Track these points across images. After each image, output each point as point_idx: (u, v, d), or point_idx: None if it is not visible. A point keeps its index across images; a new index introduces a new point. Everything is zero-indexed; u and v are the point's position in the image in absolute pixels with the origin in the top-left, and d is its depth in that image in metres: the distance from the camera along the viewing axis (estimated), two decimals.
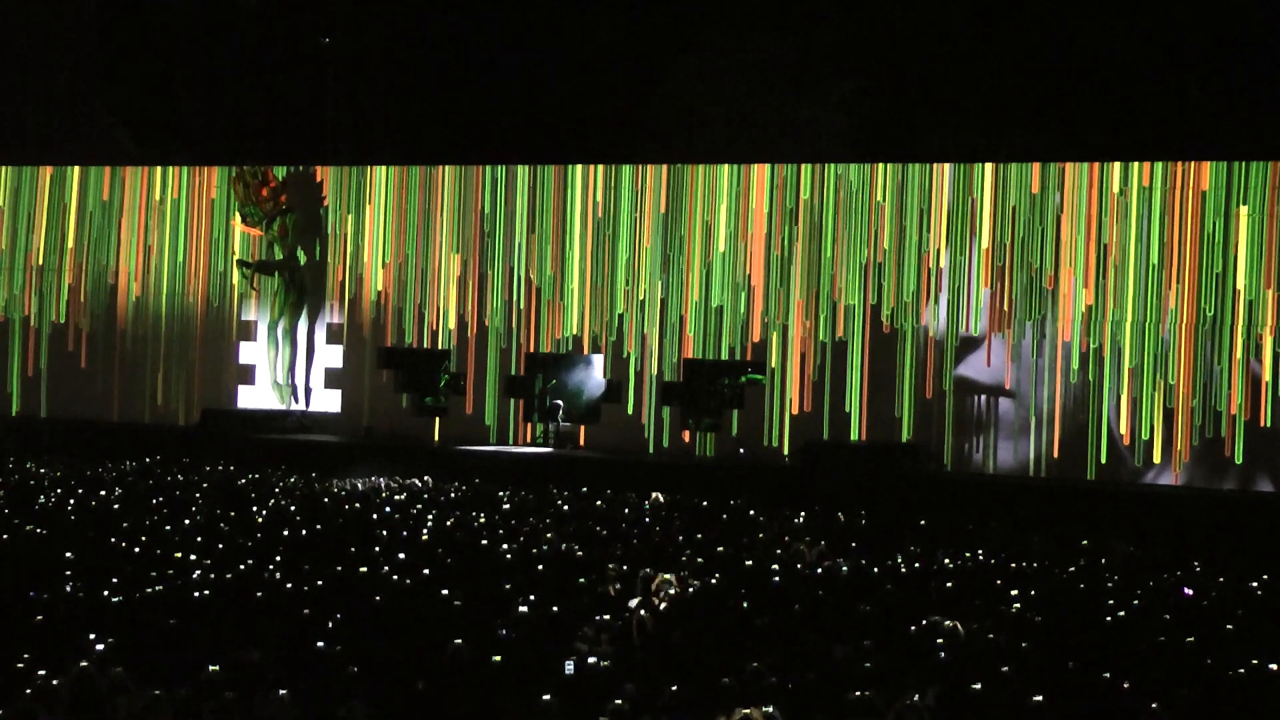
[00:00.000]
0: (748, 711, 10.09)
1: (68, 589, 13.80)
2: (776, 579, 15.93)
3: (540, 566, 16.16)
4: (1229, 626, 13.76)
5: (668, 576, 13.91)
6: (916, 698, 10.58)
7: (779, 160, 28.66)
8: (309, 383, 31.71)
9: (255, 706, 10.24)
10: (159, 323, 32.78)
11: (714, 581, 15.50)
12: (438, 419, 30.73)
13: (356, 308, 31.37)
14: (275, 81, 33.59)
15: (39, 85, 35.28)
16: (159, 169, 33.02)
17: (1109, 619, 14.19)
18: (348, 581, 14.83)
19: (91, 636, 11.63)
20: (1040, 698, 10.73)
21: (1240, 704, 11.14)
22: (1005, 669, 11.56)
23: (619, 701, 10.38)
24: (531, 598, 13.92)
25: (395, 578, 15.10)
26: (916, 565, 17.53)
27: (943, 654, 12.29)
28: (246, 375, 32.04)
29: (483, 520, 20.08)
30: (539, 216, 30.13)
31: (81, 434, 30.43)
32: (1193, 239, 26.13)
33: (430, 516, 20.28)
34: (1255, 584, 16.66)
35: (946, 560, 18.01)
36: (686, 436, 29.02)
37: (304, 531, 18.47)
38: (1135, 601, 15.13)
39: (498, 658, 11.60)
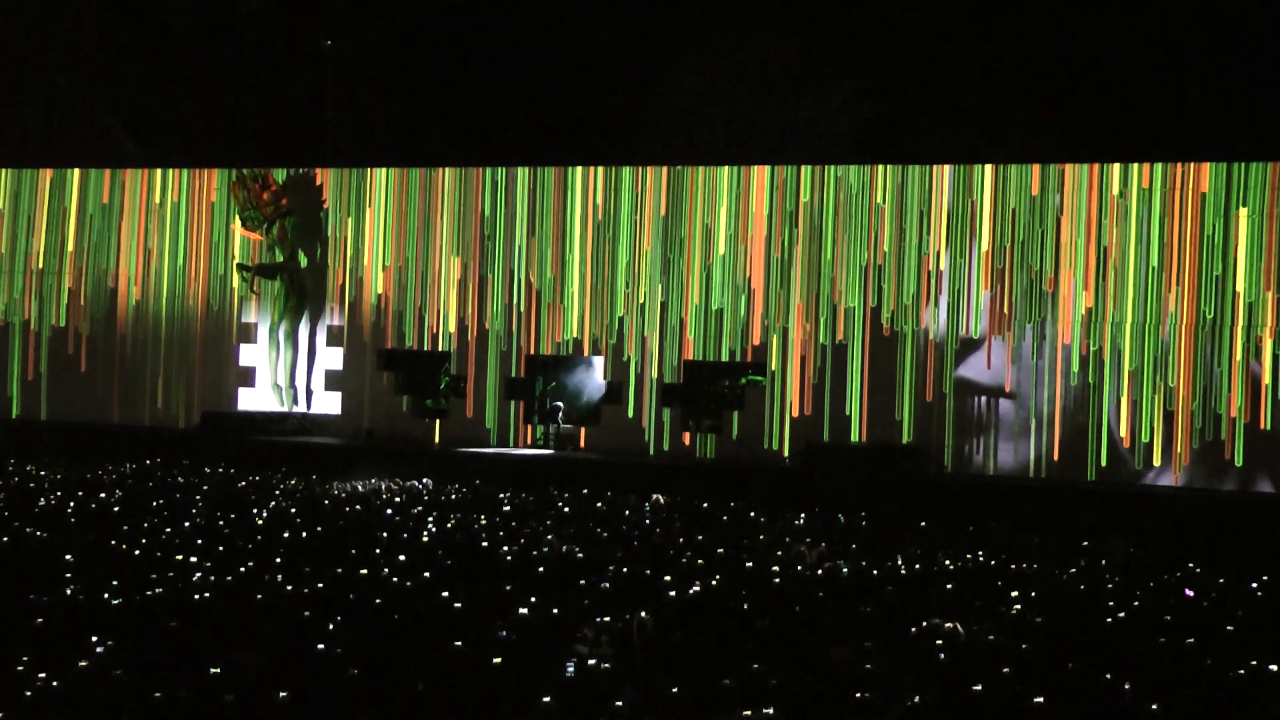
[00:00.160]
0: (748, 714, 10.08)
1: (68, 591, 13.80)
2: (777, 580, 15.93)
3: (540, 569, 16.16)
4: (1229, 627, 13.75)
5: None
6: (916, 700, 10.57)
7: (779, 162, 28.68)
8: (310, 385, 31.73)
9: (255, 708, 10.23)
10: (159, 326, 32.79)
11: (714, 584, 15.50)
12: (438, 421, 30.75)
13: (356, 311, 31.38)
14: (275, 83, 33.61)
15: (39, 87, 35.30)
16: (159, 171, 33.03)
17: (1109, 620, 14.19)
18: (348, 583, 14.82)
19: (93, 639, 11.62)
20: (1041, 699, 10.72)
21: (1241, 705, 11.13)
22: (1006, 670, 11.55)
23: (619, 704, 10.37)
24: (532, 600, 13.91)
25: (395, 580, 15.10)
26: (917, 567, 17.52)
27: (943, 655, 12.28)
28: (247, 378, 32.06)
29: (483, 522, 20.09)
30: (539, 219, 30.14)
31: (81, 436, 30.45)
32: (1192, 241, 26.14)
33: (430, 519, 20.29)
34: (1255, 585, 16.65)
35: (947, 562, 18.01)
36: (686, 439, 29.03)
37: (304, 534, 18.47)
38: (1135, 603, 15.12)
39: (498, 660, 11.59)
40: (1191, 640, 13.06)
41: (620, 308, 29.49)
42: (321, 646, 11.85)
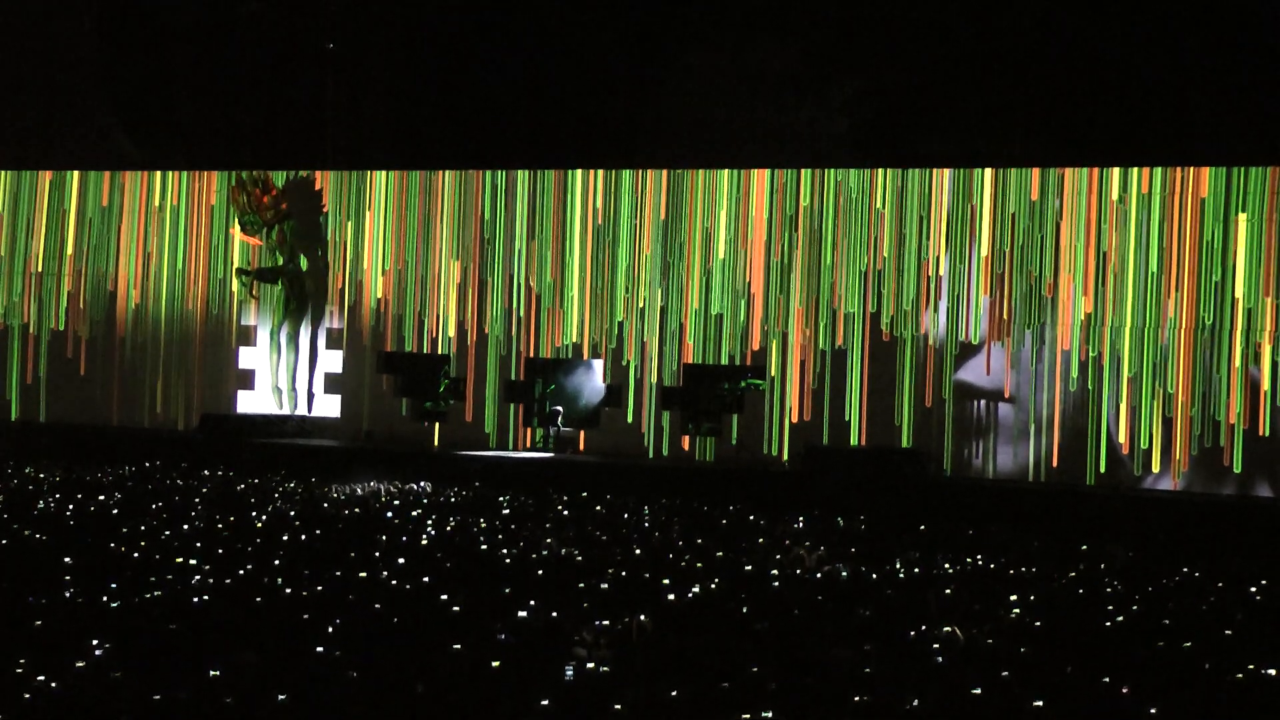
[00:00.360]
0: (746, 717, 10.07)
1: (67, 593, 13.79)
2: (776, 583, 15.93)
3: (539, 571, 16.16)
4: (1228, 631, 13.75)
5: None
6: (915, 703, 10.58)
7: (779, 165, 28.70)
8: (311, 388, 31.74)
9: (254, 710, 10.23)
10: (158, 329, 32.79)
11: (713, 586, 15.50)
12: (437, 424, 30.76)
13: (356, 314, 31.39)
14: (275, 85, 33.61)
15: (38, 88, 35.29)
16: (158, 174, 33.04)
17: (1108, 624, 14.19)
18: (347, 586, 14.82)
19: (92, 641, 11.61)
20: (1040, 702, 10.72)
21: (1240, 709, 11.13)
22: (1005, 674, 11.55)
23: (618, 706, 10.37)
24: (531, 602, 13.91)
25: (394, 582, 15.09)
26: (916, 570, 17.52)
27: (941, 659, 12.28)
28: (246, 380, 32.06)
29: (482, 525, 20.09)
30: (539, 222, 30.15)
31: (80, 438, 30.45)
32: (1191, 246, 26.15)
33: (430, 521, 20.29)
34: (1254, 589, 16.66)
35: (946, 565, 18.01)
36: (686, 443, 29.03)
37: (303, 536, 18.47)
38: (1134, 606, 15.12)
39: (496, 663, 11.59)
40: (1190, 644, 13.06)
41: (620, 312, 29.49)
42: (320, 649, 11.85)
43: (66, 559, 15.65)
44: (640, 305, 29.40)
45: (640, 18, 31.10)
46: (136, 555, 16.37)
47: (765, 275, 28.55)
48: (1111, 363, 26.40)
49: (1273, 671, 11.93)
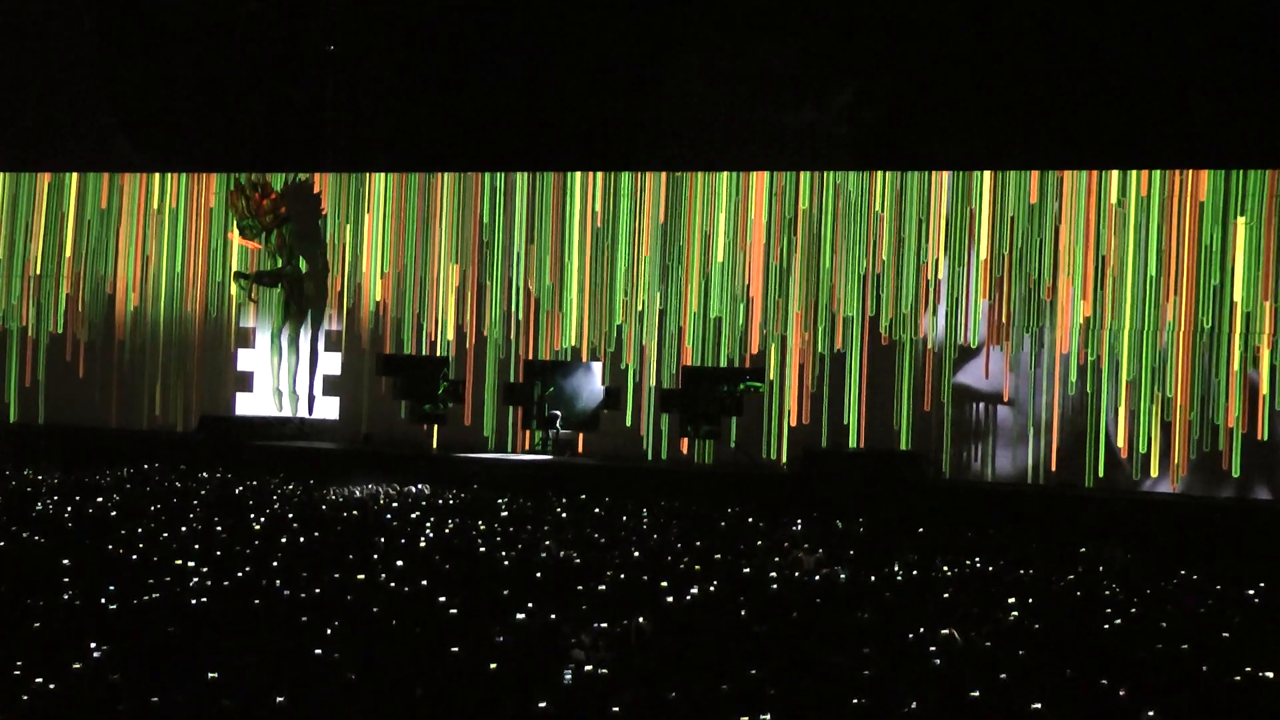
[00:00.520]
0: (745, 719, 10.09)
1: (65, 595, 13.80)
2: (775, 586, 15.94)
3: (538, 574, 16.17)
4: (1225, 634, 13.76)
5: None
6: (914, 705, 10.59)
7: (778, 168, 28.68)
8: (312, 390, 31.72)
9: (253, 712, 10.24)
10: (157, 332, 32.77)
11: (712, 589, 15.51)
12: (436, 426, 30.76)
13: (355, 317, 31.37)
14: (274, 88, 33.61)
15: (37, 89, 35.29)
16: (157, 176, 33.02)
17: (1106, 626, 14.20)
18: (346, 588, 14.83)
19: (91, 643, 11.62)
20: (1038, 704, 10.74)
21: (1237, 711, 11.14)
22: (1003, 676, 11.56)
23: (616, 708, 10.38)
24: (529, 605, 13.92)
25: (393, 584, 15.10)
26: (914, 573, 17.53)
27: (939, 661, 12.29)
28: (245, 383, 32.06)
29: (481, 527, 20.09)
30: (538, 225, 30.14)
31: (79, 441, 30.43)
32: (1190, 249, 26.15)
33: (429, 524, 20.29)
34: (1252, 591, 16.67)
35: (945, 568, 18.02)
36: (685, 445, 29.03)
37: (302, 539, 18.47)
38: (1133, 609, 15.13)
39: (494, 665, 11.60)
40: (1187, 646, 13.08)
41: (619, 315, 29.48)
42: (319, 651, 11.86)
43: (65, 561, 15.65)
44: (639, 308, 29.40)
45: (639, 20, 31.11)
46: (135, 557, 16.38)
47: (764, 278, 28.54)
48: (1110, 366, 26.40)
49: (1270, 674, 11.94)
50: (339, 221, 31.62)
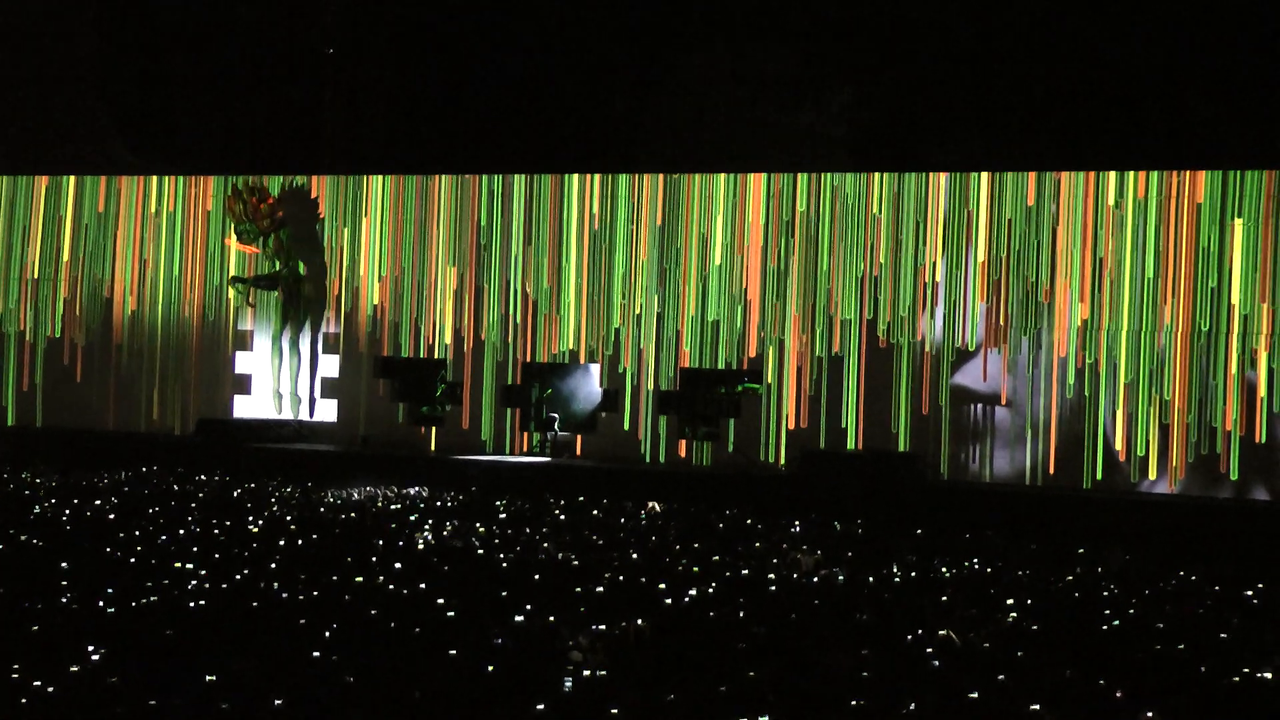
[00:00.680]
0: None
1: (63, 598, 13.79)
2: (773, 588, 15.93)
3: (536, 576, 16.16)
4: (1223, 635, 13.76)
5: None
6: (912, 707, 10.58)
7: (776, 170, 28.70)
8: (314, 393, 31.73)
9: (251, 716, 10.23)
10: (155, 335, 32.77)
11: (710, 591, 15.50)
12: (434, 428, 30.77)
13: (352, 320, 31.38)
14: (272, 90, 33.64)
15: (34, 92, 35.31)
16: (154, 179, 33.02)
17: (1105, 627, 14.20)
18: (344, 591, 14.82)
19: (88, 647, 11.61)
20: (1037, 706, 10.73)
21: (1236, 713, 11.14)
22: (1001, 678, 11.56)
23: (614, 711, 10.37)
24: (528, 607, 13.92)
25: (391, 587, 15.09)
26: (913, 574, 17.53)
27: (938, 663, 12.29)
28: (243, 385, 32.06)
29: (480, 529, 20.09)
30: (535, 228, 30.15)
31: (77, 443, 30.43)
32: (1188, 251, 26.16)
33: (427, 526, 20.28)
34: (1251, 592, 16.67)
35: (943, 569, 18.02)
36: (683, 449, 29.04)
37: (300, 541, 18.46)
38: (1131, 610, 15.13)
39: (492, 668, 11.59)
40: (1183, 647, 13.08)
41: (616, 319, 29.49)
42: (317, 654, 11.85)
43: (63, 563, 15.65)
44: (637, 312, 29.40)
45: (637, 22, 31.14)
46: (133, 560, 16.37)
47: (762, 281, 28.55)
48: (1108, 369, 26.41)
49: (1268, 674, 11.94)
50: (336, 224, 31.63)
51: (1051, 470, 26.65)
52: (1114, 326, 26.43)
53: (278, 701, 10.36)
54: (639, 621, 13.35)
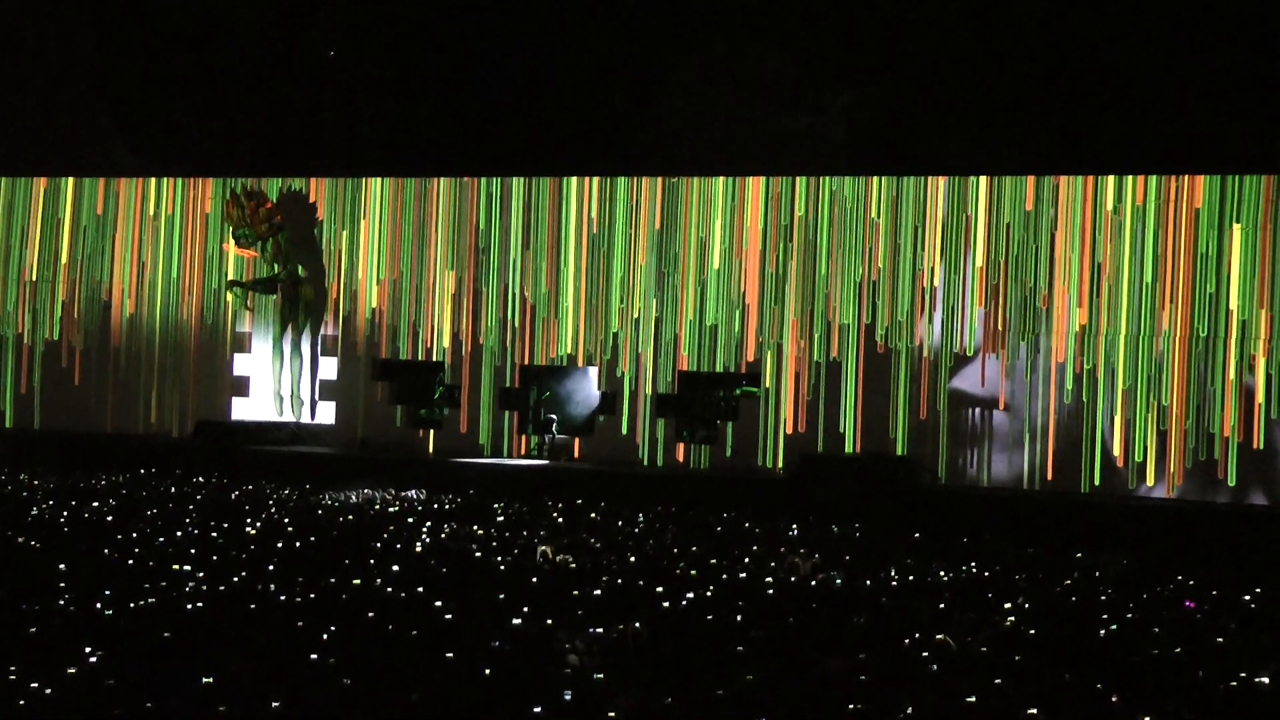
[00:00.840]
0: None
1: (61, 600, 13.79)
2: (770, 591, 15.93)
3: (534, 579, 16.16)
4: (1219, 639, 13.77)
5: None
6: (910, 711, 10.59)
7: (775, 173, 28.71)
8: (315, 395, 31.74)
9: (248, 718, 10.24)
10: (153, 338, 32.75)
11: (707, 594, 15.50)
12: (432, 431, 30.77)
13: (351, 324, 31.37)
14: (271, 93, 33.64)
15: (33, 94, 35.30)
16: (153, 181, 33.02)
17: (1102, 632, 14.20)
18: (341, 594, 14.82)
19: (86, 649, 11.61)
20: (1034, 710, 10.74)
21: (1232, 717, 11.14)
22: (998, 681, 11.57)
23: (612, 714, 10.38)
24: (525, 610, 13.92)
25: (389, 590, 15.09)
26: (910, 578, 17.54)
27: (935, 666, 12.30)
28: (241, 387, 32.06)
29: (478, 532, 20.08)
30: (534, 231, 30.16)
31: (75, 446, 30.42)
32: (1186, 256, 26.17)
33: (425, 528, 20.28)
34: (1248, 597, 16.68)
35: (941, 573, 18.03)
36: (680, 452, 29.05)
37: (297, 543, 18.46)
38: (1129, 614, 15.14)
39: (489, 670, 11.59)
40: (1180, 651, 13.08)
41: (615, 323, 29.49)
42: (315, 656, 11.85)
43: (61, 565, 15.65)
44: (635, 316, 29.40)
45: (636, 25, 31.15)
46: (131, 562, 16.37)
47: (760, 286, 28.55)
48: (1106, 374, 26.41)
49: (1265, 679, 11.95)
50: (335, 228, 31.63)
51: (1049, 475, 26.67)
52: (1112, 331, 26.44)
53: (275, 703, 10.37)
54: (637, 624, 13.35)
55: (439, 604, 14.16)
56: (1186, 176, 26.24)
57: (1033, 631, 14.05)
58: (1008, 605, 15.44)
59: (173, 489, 24.78)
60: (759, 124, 30.56)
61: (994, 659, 12.66)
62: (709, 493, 26.02)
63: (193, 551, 17.26)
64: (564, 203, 30.02)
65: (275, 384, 31.75)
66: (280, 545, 18.26)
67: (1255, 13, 27.09)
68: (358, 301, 31.30)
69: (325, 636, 12.66)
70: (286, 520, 20.89)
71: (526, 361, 30.13)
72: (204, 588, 14.81)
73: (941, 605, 15.34)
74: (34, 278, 33.56)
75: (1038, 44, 28.26)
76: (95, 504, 21.89)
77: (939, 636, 13.14)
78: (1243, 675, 12.04)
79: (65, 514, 20.60)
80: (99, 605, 13.61)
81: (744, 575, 17.11)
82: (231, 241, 31.86)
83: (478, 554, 18.10)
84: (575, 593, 15.16)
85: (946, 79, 28.81)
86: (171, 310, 32.66)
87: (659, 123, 31.32)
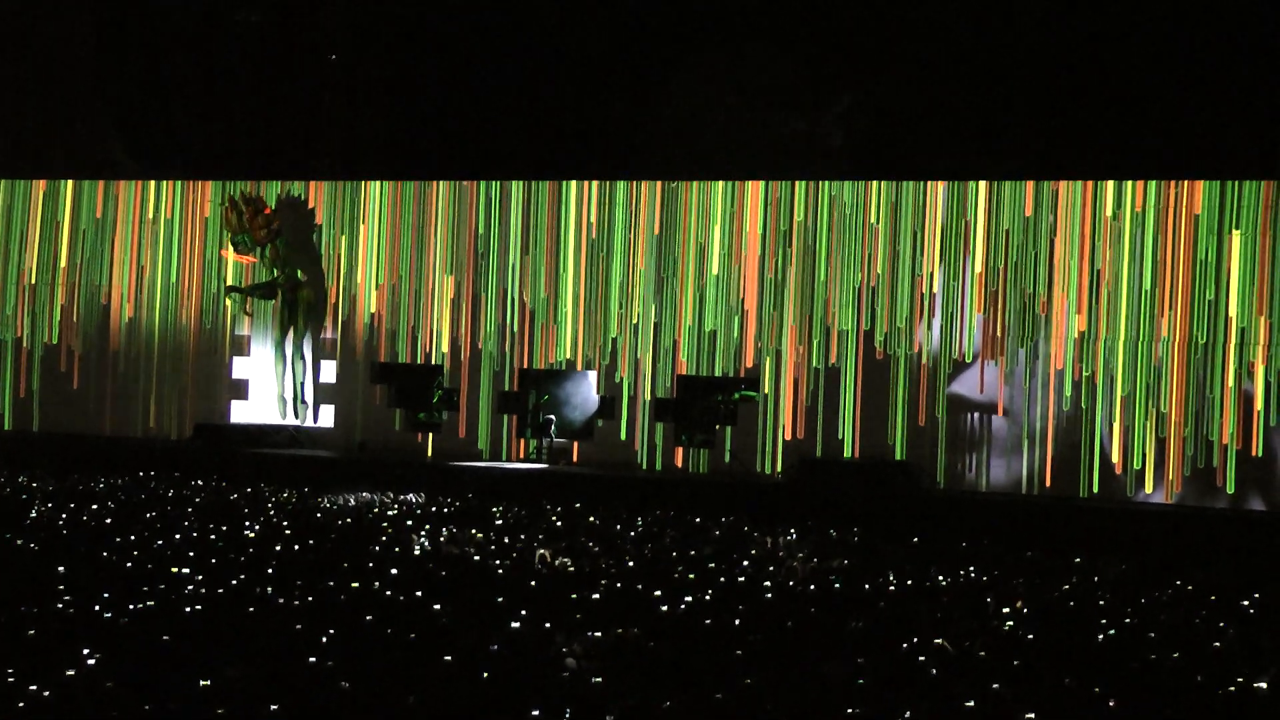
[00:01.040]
0: None
1: (59, 603, 13.78)
2: (768, 595, 15.93)
3: (532, 582, 16.16)
4: (1216, 644, 13.76)
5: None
6: (908, 715, 10.58)
7: (774, 177, 28.72)
8: (316, 398, 31.74)
9: None
10: (152, 341, 32.75)
11: (705, 598, 15.50)
12: (430, 434, 30.78)
13: (349, 328, 31.38)
14: (270, 95, 33.65)
15: (32, 96, 35.30)
16: (152, 184, 33.02)
17: (1101, 636, 14.20)
18: (340, 597, 14.81)
19: (84, 651, 11.61)
20: (1032, 715, 10.74)
21: None
22: (996, 686, 11.56)
23: (610, 718, 10.38)
24: (523, 613, 13.91)
25: (387, 593, 15.09)
26: (909, 583, 17.53)
27: (933, 671, 12.29)
28: (240, 390, 32.06)
29: (476, 535, 20.07)
30: (533, 236, 30.17)
31: (74, 448, 30.42)
32: (1185, 263, 26.18)
33: (423, 531, 20.28)
34: (1246, 601, 16.68)
35: (940, 578, 18.02)
36: (679, 457, 29.06)
37: (296, 546, 18.45)
38: (1127, 619, 15.14)
39: (487, 674, 11.59)
40: (1179, 655, 13.08)
41: (614, 329, 29.50)
42: (313, 660, 11.84)
43: (59, 568, 15.64)
44: (634, 322, 29.41)
45: (635, 29, 31.16)
46: (129, 564, 16.36)
47: (759, 291, 28.56)
48: (1105, 381, 26.41)
49: (1263, 684, 11.95)
50: (334, 232, 31.64)
51: (1048, 481, 26.67)
52: (1111, 338, 26.45)
53: (274, 707, 10.36)
54: (634, 629, 13.35)
55: (437, 607, 14.16)
56: (1186, 182, 26.26)
57: (1031, 636, 14.05)
58: (1006, 610, 15.44)
59: (171, 492, 24.77)
60: (758, 128, 30.57)
61: (992, 663, 12.66)
62: (708, 496, 26.01)
63: (191, 554, 17.25)
64: (563, 207, 30.04)
65: (279, 387, 31.77)
66: (279, 548, 18.25)
67: (1254, 17, 27.10)
68: (356, 306, 31.30)
69: (324, 640, 12.65)
70: (285, 523, 20.89)
71: (525, 365, 30.14)
72: (202, 591, 14.80)
73: (940, 610, 15.34)
74: (33, 281, 33.56)
75: (1037, 49, 28.27)
76: (94, 506, 21.88)
77: (937, 641, 13.14)
78: (1241, 680, 12.04)
79: (64, 516, 20.59)
80: (97, 607, 13.60)
81: (742, 579, 17.10)
82: (230, 248, 31.86)
83: (476, 557, 18.10)
84: (574, 596, 15.17)
85: (946, 84, 28.82)
86: (171, 313, 32.66)
87: (658, 127, 31.32)
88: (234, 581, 15.37)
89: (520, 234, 30.31)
